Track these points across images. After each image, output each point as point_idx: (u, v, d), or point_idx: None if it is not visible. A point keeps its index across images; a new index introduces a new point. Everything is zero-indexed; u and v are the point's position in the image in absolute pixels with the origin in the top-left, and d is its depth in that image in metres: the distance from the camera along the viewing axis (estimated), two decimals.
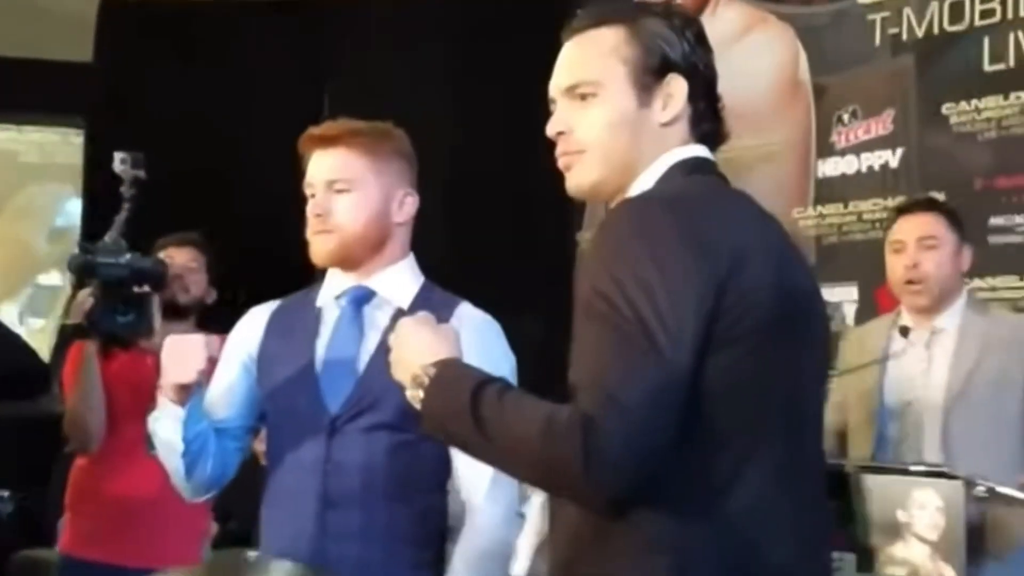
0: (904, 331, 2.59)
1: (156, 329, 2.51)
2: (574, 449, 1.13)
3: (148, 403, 2.78)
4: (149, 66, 4.73)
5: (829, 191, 3.72)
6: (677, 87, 1.32)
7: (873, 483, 1.96)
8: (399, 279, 1.84)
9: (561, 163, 1.36)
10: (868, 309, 3.55)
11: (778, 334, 1.22)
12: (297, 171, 1.87)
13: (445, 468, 1.78)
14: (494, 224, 4.39)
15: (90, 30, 4.97)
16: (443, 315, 1.46)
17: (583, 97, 1.33)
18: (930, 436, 2.48)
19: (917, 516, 1.87)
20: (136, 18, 4.93)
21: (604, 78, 1.32)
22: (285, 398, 1.79)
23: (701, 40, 1.35)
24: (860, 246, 3.63)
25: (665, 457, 1.15)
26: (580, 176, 1.34)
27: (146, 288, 2.36)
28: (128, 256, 2.34)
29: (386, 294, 1.82)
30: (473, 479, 1.74)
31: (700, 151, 1.34)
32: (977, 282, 3.22)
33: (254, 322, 1.88)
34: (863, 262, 3.62)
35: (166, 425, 1.77)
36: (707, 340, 1.17)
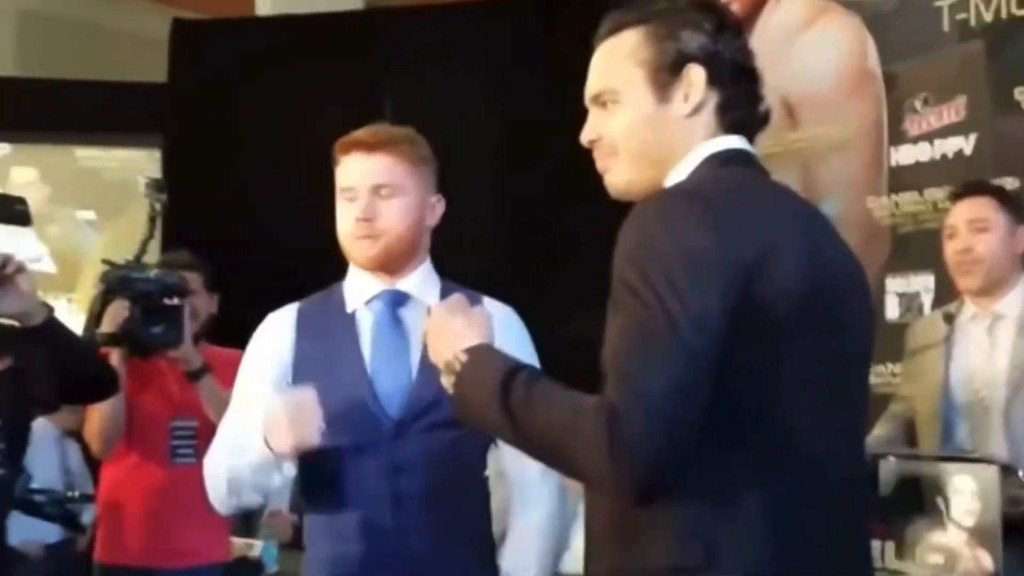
0: (948, 317, 2.59)
1: (186, 339, 2.63)
2: (600, 439, 1.15)
3: (169, 411, 2.90)
4: (221, 83, 4.84)
5: (903, 179, 3.67)
6: (696, 76, 1.33)
7: (910, 470, 1.94)
8: (425, 280, 1.88)
9: (599, 168, 1.40)
10: (945, 297, 3.49)
11: (811, 325, 1.23)
12: None
13: (484, 456, 1.83)
14: (549, 230, 4.42)
15: (164, 51, 5.11)
16: None
17: (604, 104, 1.37)
18: (995, 425, 2.45)
19: (954, 502, 1.86)
20: (207, 37, 5.06)
21: (621, 84, 1.35)
22: (336, 405, 1.77)
23: (723, 28, 1.35)
24: (936, 234, 3.54)
25: (692, 445, 1.17)
26: (615, 178, 1.38)
27: (176, 300, 2.46)
28: (155, 272, 2.46)
29: (418, 295, 1.85)
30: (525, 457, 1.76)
31: (734, 142, 1.35)
32: None
33: (281, 329, 1.86)
34: (939, 250, 3.56)
35: (265, 474, 1.73)
36: (734, 329, 1.18)
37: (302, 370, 1.83)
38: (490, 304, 1.84)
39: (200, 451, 2.82)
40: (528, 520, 1.85)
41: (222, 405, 1.99)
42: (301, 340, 1.84)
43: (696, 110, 1.34)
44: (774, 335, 1.21)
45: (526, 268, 4.31)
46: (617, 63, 1.36)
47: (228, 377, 2.05)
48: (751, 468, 1.21)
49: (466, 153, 4.64)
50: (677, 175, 1.34)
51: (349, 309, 1.86)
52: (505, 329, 1.69)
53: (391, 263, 1.85)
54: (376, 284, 1.86)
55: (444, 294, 1.85)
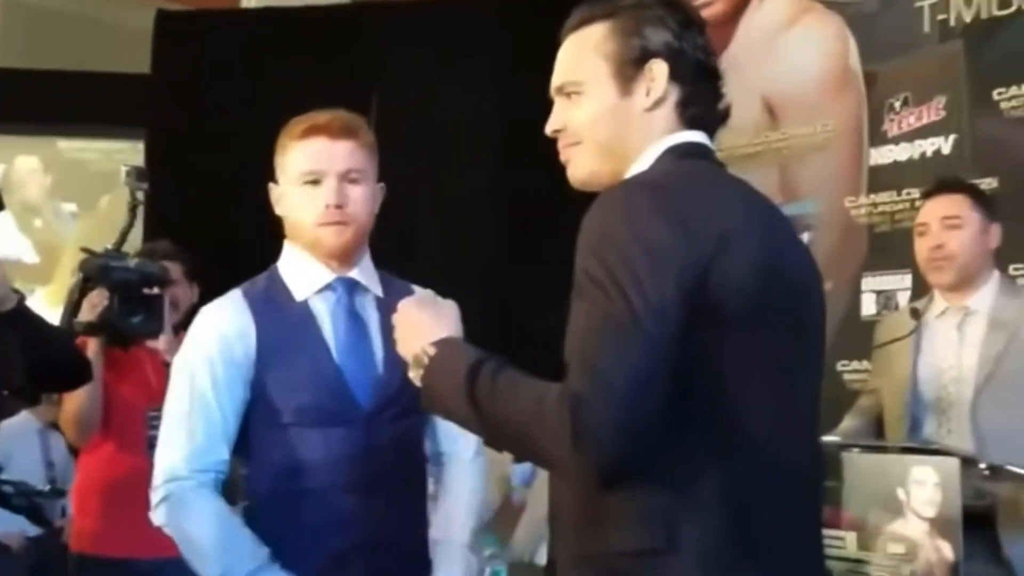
0: (915, 313, 2.61)
1: (166, 329, 2.62)
2: (563, 428, 1.18)
3: (146, 400, 2.90)
4: (205, 75, 4.84)
5: (882, 179, 3.70)
6: (658, 71, 1.36)
7: (873, 461, 1.98)
8: (369, 269, 1.88)
9: (561, 158, 1.43)
10: (921, 296, 3.52)
11: (765, 316, 1.26)
12: None
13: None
14: (541, 228, 4.43)
15: (148, 42, 5.10)
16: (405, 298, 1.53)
17: (569, 95, 1.40)
18: (962, 419, 2.48)
19: (915, 493, 1.89)
20: (191, 29, 5.06)
21: (586, 77, 1.38)
22: (307, 396, 1.77)
23: (687, 26, 1.39)
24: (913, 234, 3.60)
25: (653, 432, 1.20)
26: (577, 168, 1.41)
27: (155, 290, 2.46)
28: (135, 261, 2.46)
29: (367, 284, 1.86)
30: (462, 438, 1.85)
31: (693, 136, 1.38)
32: None
33: (237, 317, 1.80)
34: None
35: None
36: (692, 319, 1.21)
37: (266, 361, 1.78)
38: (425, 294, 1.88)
39: None
40: (460, 494, 1.91)
41: None
42: (262, 331, 1.79)
43: (657, 104, 1.37)
44: (730, 326, 1.24)
45: (519, 264, 4.32)
46: (583, 56, 1.39)
47: None
48: (708, 456, 1.24)
49: (454, 149, 4.65)
50: (638, 167, 1.36)
51: (299, 298, 1.82)
52: None
53: (355, 250, 1.84)
54: (325, 272, 1.83)
55: (384, 283, 1.87)
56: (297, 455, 1.77)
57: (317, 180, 1.80)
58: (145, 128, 5.23)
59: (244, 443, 1.82)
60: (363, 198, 1.81)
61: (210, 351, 1.79)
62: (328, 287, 1.83)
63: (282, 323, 1.80)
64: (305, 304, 1.82)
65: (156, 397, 2.86)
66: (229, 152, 4.66)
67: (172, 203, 4.29)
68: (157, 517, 1.79)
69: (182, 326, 2.94)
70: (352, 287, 1.85)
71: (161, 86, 5.00)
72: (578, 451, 1.18)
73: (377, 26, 4.91)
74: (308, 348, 1.79)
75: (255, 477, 1.82)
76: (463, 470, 1.91)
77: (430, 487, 1.94)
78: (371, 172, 1.84)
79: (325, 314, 1.82)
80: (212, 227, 4.42)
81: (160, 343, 2.75)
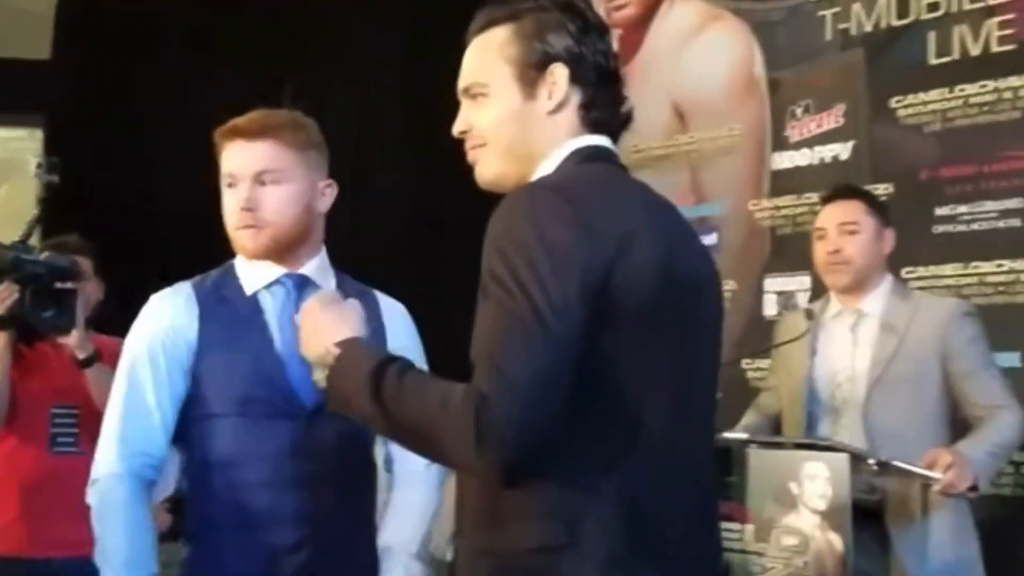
0: (809, 314, 2.70)
1: (78, 325, 2.56)
2: (467, 424, 1.19)
3: (51, 397, 2.82)
4: (107, 62, 4.72)
5: (783, 183, 3.80)
6: (559, 75, 1.39)
7: (769, 457, 2.04)
8: (323, 268, 1.88)
9: (469, 159, 1.45)
10: (819, 298, 3.63)
11: (664, 317, 1.29)
12: None
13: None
14: (456, 213, 4.44)
15: (48, 27, 4.95)
16: (362, 301, 1.51)
17: (475, 97, 1.42)
18: (854, 417, 2.55)
19: (807, 488, 1.97)
20: (93, 15, 4.93)
21: (490, 79, 1.41)
22: (249, 390, 1.77)
23: (587, 29, 1.41)
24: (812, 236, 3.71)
25: (555, 430, 1.22)
26: (484, 169, 1.43)
27: (69, 284, 2.40)
28: (45, 254, 2.40)
29: (318, 281, 1.85)
30: None
31: (596, 140, 1.41)
32: (921, 270, 3.34)
33: (182, 308, 1.80)
34: None
35: None
36: (594, 319, 1.23)
37: (209, 353, 1.78)
38: (382, 299, 1.88)
39: (81, 440, 2.75)
40: (412, 502, 1.90)
41: None
42: (205, 321, 1.79)
43: (559, 107, 1.39)
44: (630, 326, 1.26)
45: (430, 265, 4.31)
46: (487, 58, 1.42)
47: (113, 366, 2.00)
48: (608, 453, 1.26)
49: (375, 142, 4.62)
50: (543, 170, 1.39)
51: (248, 291, 1.83)
52: (395, 324, 1.76)
53: (280, 252, 1.82)
54: (275, 269, 1.83)
55: (339, 284, 1.86)
56: (236, 447, 1.76)
57: (234, 183, 1.80)
58: (44, 116, 5.08)
59: (183, 433, 1.81)
60: (280, 199, 1.79)
61: (153, 342, 1.79)
62: (277, 282, 1.84)
63: (229, 315, 1.80)
64: (254, 298, 1.83)
65: (60, 393, 2.80)
66: (130, 142, 4.56)
67: (69, 194, 4.17)
68: (88, 495, 1.79)
69: (91, 322, 2.87)
70: (303, 283, 1.84)
71: (61, 73, 4.86)
72: (482, 450, 1.19)
73: (286, 15, 4.85)
74: (252, 340, 1.79)
75: (193, 467, 1.81)
76: (416, 477, 1.90)
77: (383, 493, 1.92)
78: (299, 171, 1.82)
79: (273, 308, 1.82)
80: (112, 219, 4.31)
81: (71, 339, 2.68)
